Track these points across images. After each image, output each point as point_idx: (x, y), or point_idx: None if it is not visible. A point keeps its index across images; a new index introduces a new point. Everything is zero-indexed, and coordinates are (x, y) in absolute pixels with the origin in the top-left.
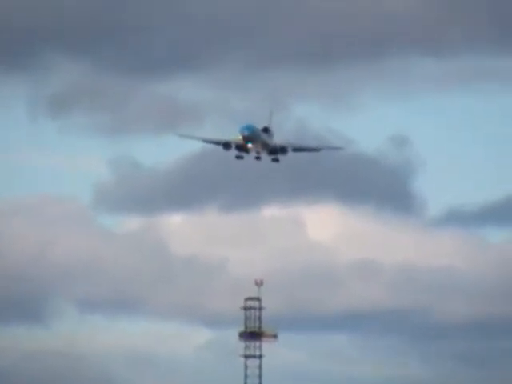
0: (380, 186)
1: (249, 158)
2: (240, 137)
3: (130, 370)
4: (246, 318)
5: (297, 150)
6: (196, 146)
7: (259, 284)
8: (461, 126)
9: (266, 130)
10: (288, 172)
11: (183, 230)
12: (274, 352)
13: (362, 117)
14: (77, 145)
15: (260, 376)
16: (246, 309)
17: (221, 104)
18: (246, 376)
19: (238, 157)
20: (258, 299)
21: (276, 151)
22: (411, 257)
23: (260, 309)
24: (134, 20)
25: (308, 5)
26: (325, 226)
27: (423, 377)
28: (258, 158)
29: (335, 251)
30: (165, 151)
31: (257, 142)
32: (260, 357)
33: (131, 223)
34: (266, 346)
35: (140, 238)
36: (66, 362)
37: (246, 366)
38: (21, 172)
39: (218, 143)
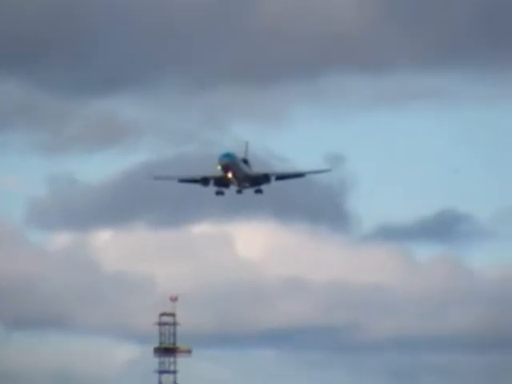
0: (313, 203)
1: (230, 192)
2: (219, 167)
3: None
4: (161, 334)
5: (280, 177)
6: (130, 164)
7: (174, 299)
8: (393, 144)
9: (245, 161)
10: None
11: (112, 247)
12: (189, 367)
13: (296, 135)
14: (13, 163)
15: None
16: (160, 324)
17: (159, 123)
18: None
19: (218, 193)
20: (173, 315)
21: (258, 181)
22: (341, 273)
23: (174, 324)
24: (74, 39)
25: (244, 25)
26: (255, 243)
27: None
28: (239, 191)
29: (264, 268)
30: (102, 169)
31: (237, 171)
32: (174, 372)
33: (62, 240)
34: (181, 361)
35: (69, 254)
36: None
37: (160, 382)
38: None
39: (194, 181)
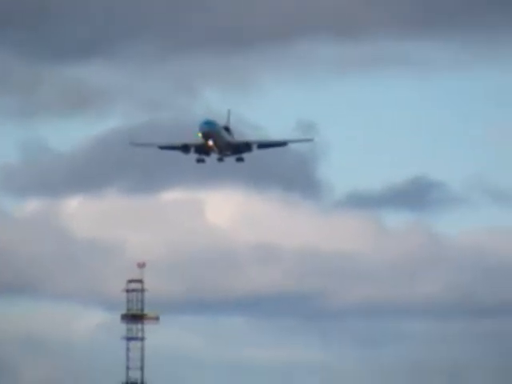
0: (285, 170)
1: (211, 160)
2: (199, 134)
3: (24, 353)
4: (128, 301)
5: (262, 146)
6: (102, 130)
7: (141, 266)
8: (366, 111)
9: (226, 129)
10: (194, 157)
11: (82, 213)
12: (157, 334)
13: (268, 102)
14: None
15: (142, 358)
16: (128, 291)
17: (130, 90)
18: (127, 358)
19: (198, 160)
20: (141, 281)
21: (240, 149)
22: (312, 240)
23: (142, 291)
24: (44, 4)
25: None
26: (226, 211)
27: (321, 359)
28: (220, 159)
29: (235, 235)
30: (73, 135)
31: (218, 139)
32: (142, 339)
33: (32, 206)
34: (149, 328)
35: (39, 220)
36: None
37: (127, 349)
38: None
39: (175, 148)
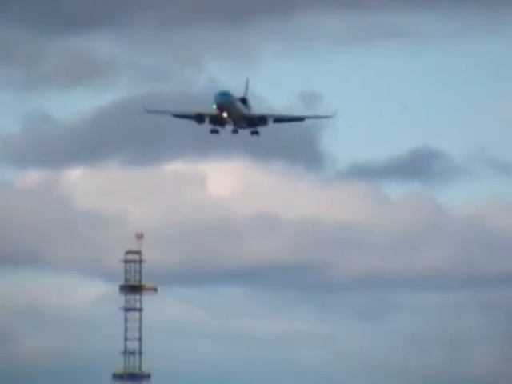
0: (288, 141)
1: (225, 131)
2: (214, 106)
3: (22, 323)
4: (126, 272)
5: (278, 120)
6: (104, 101)
7: (139, 237)
8: (367, 83)
9: (243, 100)
10: (195, 128)
11: (83, 184)
12: (155, 305)
13: (270, 74)
14: None
15: (140, 329)
16: (126, 262)
17: (134, 60)
18: (126, 329)
19: (212, 131)
20: (139, 252)
21: (255, 122)
22: (313, 211)
23: (140, 262)
24: None
25: None
26: (228, 182)
27: (320, 330)
28: (235, 131)
29: (235, 206)
30: (76, 106)
31: (233, 111)
32: (140, 310)
33: (34, 177)
34: (146, 299)
35: (40, 191)
36: None
37: (126, 319)
38: None
39: (189, 117)
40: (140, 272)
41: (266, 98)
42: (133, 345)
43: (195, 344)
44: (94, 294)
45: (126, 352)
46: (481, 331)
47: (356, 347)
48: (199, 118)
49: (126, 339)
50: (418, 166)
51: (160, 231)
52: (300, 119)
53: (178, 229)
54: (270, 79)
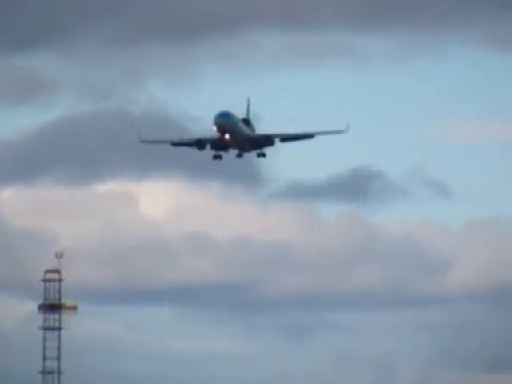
0: (223, 161)
1: (229, 156)
2: (214, 128)
3: None
4: (46, 290)
5: (286, 139)
6: (47, 120)
7: (59, 256)
8: (307, 101)
9: (245, 121)
10: (131, 146)
11: (16, 202)
12: (74, 324)
13: (208, 94)
14: None
15: (59, 348)
16: (45, 281)
17: (78, 79)
18: (44, 348)
19: (215, 157)
20: (58, 271)
21: (260, 144)
22: (245, 231)
23: (60, 281)
24: None
25: None
26: (160, 202)
27: (249, 350)
28: (239, 155)
29: (167, 225)
30: (18, 124)
31: (235, 133)
32: (59, 329)
33: None
34: (66, 319)
35: None
36: None
37: (44, 338)
38: None
39: (189, 144)
40: (59, 291)
41: (206, 118)
42: (51, 364)
43: (115, 363)
44: (12, 313)
45: (45, 372)
46: (411, 351)
47: (283, 366)
48: (199, 143)
49: (44, 358)
50: (355, 185)
51: (87, 250)
52: (309, 136)
53: (106, 248)
54: (209, 98)
